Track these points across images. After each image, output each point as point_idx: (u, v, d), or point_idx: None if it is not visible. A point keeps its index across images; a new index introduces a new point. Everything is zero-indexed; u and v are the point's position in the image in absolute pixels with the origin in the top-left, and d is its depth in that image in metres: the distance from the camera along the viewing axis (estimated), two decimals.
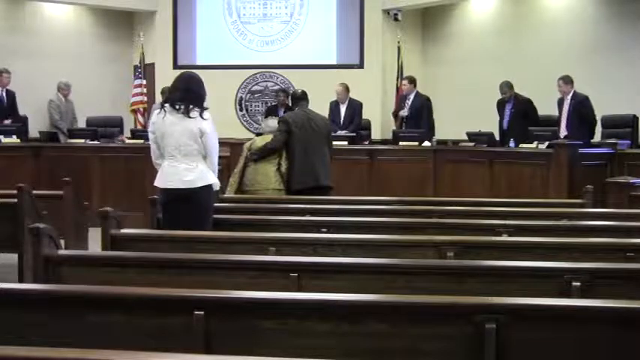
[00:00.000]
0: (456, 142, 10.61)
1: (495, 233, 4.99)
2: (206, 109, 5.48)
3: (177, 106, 5.40)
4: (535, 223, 5.30)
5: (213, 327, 2.96)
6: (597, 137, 9.79)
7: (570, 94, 9.77)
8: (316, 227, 5.18)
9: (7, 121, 11.02)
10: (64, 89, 12.28)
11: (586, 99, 9.66)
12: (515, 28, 12.17)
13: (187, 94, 5.44)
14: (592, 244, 4.51)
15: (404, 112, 11.39)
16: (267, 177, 7.26)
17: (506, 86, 10.37)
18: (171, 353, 2.47)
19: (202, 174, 5.46)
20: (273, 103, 12.17)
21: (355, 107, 11.26)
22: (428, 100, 11.32)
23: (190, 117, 5.37)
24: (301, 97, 7.62)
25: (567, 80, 9.78)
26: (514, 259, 4.03)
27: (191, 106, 5.39)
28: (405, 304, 2.99)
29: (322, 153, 7.42)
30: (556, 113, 10.04)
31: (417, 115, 11.17)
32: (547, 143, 8.67)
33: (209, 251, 4.38)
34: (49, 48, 13.07)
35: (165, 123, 5.42)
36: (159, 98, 11.13)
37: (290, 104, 11.17)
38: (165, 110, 5.44)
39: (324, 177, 7.35)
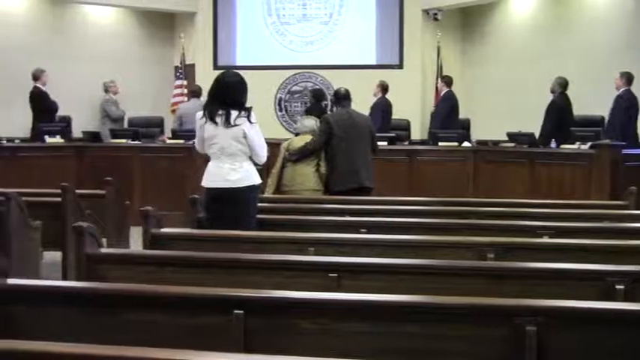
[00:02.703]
0: (495, 143, 10.54)
1: (536, 235, 4.93)
2: (250, 109, 5.45)
3: (216, 120, 5.38)
4: (576, 225, 5.24)
5: (252, 326, 2.97)
6: None
7: (620, 91, 9.64)
8: (355, 228, 5.17)
9: None
10: (112, 86, 12.50)
11: (620, 97, 9.54)
12: (556, 27, 12.06)
13: (224, 104, 5.39)
14: (635, 247, 4.45)
15: (432, 109, 11.81)
16: (306, 177, 7.24)
17: (555, 82, 10.23)
18: (209, 352, 2.49)
19: (247, 174, 5.46)
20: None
21: (373, 107, 11.18)
22: (450, 99, 11.37)
23: (233, 125, 5.36)
24: (344, 97, 7.52)
25: (622, 75, 9.64)
26: (555, 261, 3.98)
27: (232, 114, 5.37)
28: (443, 305, 2.98)
29: (365, 153, 7.35)
30: (597, 113, 9.93)
31: (438, 114, 11.58)
32: (589, 144, 8.56)
33: (248, 251, 4.39)
34: (91, 50, 13.25)
35: (207, 129, 5.43)
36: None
37: (316, 103, 11.36)
38: (206, 118, 5.42)
39: (366, 178, 7.28)
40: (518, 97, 11.86)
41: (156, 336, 3.01)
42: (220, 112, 5.37)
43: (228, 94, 5.42)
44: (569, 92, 10.19)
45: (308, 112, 10.49)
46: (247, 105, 5.50)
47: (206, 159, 5.69)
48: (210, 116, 5.39)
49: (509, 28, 12.86)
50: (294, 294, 3.13)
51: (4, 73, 11.88)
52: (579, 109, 10.17)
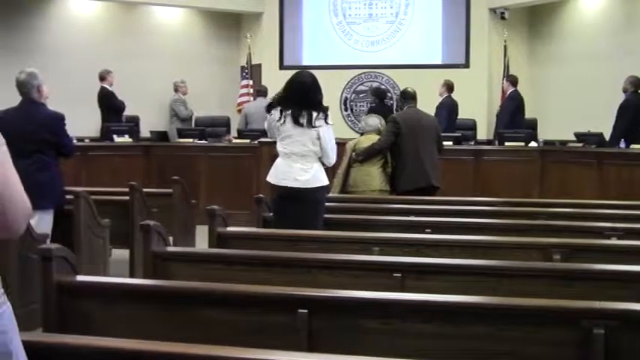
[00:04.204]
0: (563, 143, 10.37)
1: (604, 236, 4.85)
2: (327, 109, 5.44)
3: (300, 120, 5.38)
4: None
5: (317, 326, 2.99)
6: None
7: None
8: (420, 228, 5.15)
9: None
10: (182, 87, 12.63)
11: None
12: (627, 24, 11.78)
13: (306, 104, 5.38)
14: None
15: (498, 109, 11.81)
16: (373, 177, 7.23)
17: (627, 81, 10.00)
18: (274, 351, 2.51)
19: (317, 174, 5.46)
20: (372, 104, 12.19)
21: (438, 107, 11.07)
22: (515, 99, 11.33)
23: (314, 127, 5.37)
24: (411, 97, 7.57)
25: None
26: (623, 263, 3.91)
27: (314, 115, 5.36)
28: (509, 306, 2.95)
29: (432, 153, 7.36)
30: None
31: (503, 113, 11.48)
32: None
33: (313, 250, 4.41)
34: (158, 50, 13.42)
35: (282, 129, 5.44)
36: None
37: (379, 102, 11.37)
38: (284, 119, 5.41)
39: (434, 177, 7.29)
40: (588, 97, 11.63)
41: (220, 333, 3.05)
42: (304, 113, 5.38)
43: (304, 94, 5.42)
44: None
45: (372, 111, 10.47)
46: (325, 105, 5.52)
47: (274, 154, 5.71)
48: (293, 117, 5.38)
49: (579, 26, 12.62)
50: (357, 294, 3.14)
51: (73, 73, 12.09)
52: None
